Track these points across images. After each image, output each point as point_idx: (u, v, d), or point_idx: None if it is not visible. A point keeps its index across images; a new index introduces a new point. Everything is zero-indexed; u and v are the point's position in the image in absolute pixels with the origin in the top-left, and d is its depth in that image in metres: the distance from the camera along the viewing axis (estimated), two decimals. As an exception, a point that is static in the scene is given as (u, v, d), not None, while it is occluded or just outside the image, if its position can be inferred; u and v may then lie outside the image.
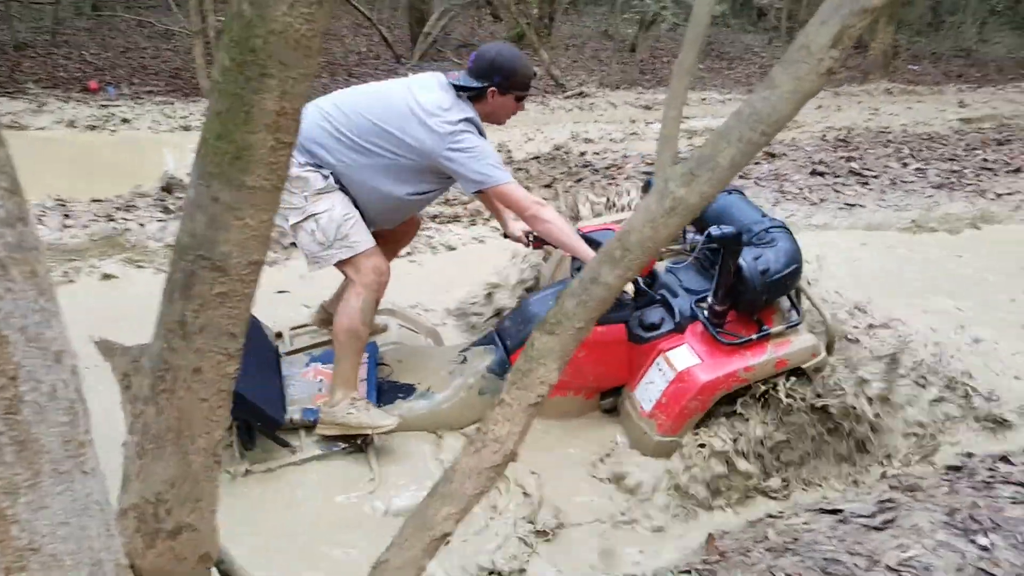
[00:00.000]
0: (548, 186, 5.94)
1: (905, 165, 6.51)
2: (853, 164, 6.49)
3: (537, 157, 6.53)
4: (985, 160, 6.67)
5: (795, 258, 2.97)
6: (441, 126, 2.74)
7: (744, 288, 2.87)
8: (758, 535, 2.40)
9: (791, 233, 3.09)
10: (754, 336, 2.95)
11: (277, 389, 3.15)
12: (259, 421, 2.87)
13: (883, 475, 2.79)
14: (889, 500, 2.41)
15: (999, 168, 6.41)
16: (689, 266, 3.34)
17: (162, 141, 8.34)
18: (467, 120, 2.79)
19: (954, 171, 6.34)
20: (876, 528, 2.20)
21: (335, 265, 2.93)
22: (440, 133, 2.74)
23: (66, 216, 5.09)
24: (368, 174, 2.85)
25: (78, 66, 11.81)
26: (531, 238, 3.29)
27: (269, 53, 1.14)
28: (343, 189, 2.88)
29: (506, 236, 3.49)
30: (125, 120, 8.79)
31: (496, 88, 2.85)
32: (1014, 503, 2.24)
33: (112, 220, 5.11)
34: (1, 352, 0.98)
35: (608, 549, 2.62)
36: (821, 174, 6.24)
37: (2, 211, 0.95)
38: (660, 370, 3.03)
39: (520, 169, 6.11)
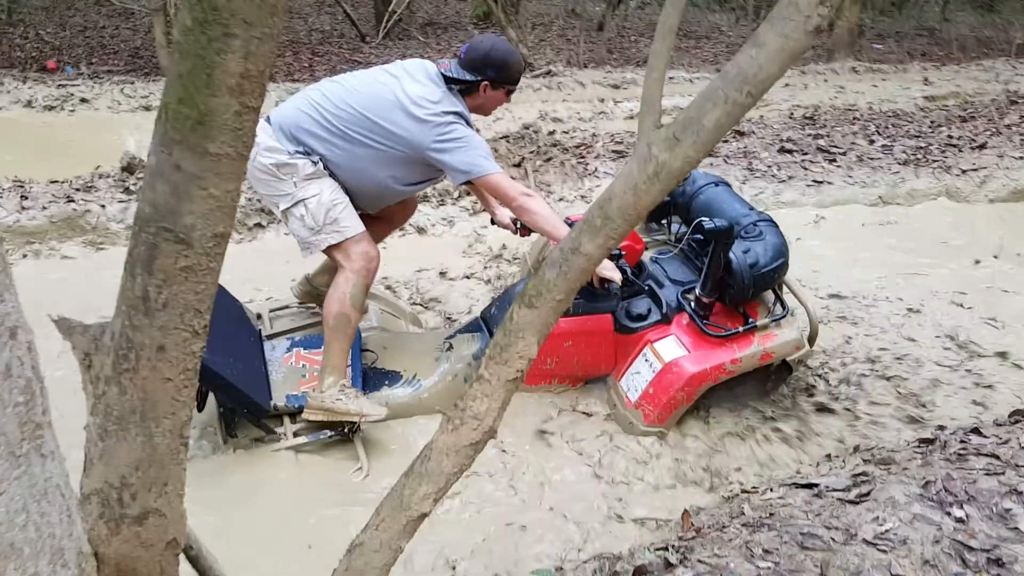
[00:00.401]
0: (517, 165, 5.88)
1: (872, 142, 6.56)
2: (820, 141, 6.52)
3: (506, 136, 6.47)
4: (950, 136, 6.74)
5: (782, 251, 2.98)
6: (429, 118, 2.72)
7: (733, 281, 2.88)
8: (734, 510, 2.39)
9: (777, 226, 3.10)
10: (741, 328, 2.96)
11: (262, 374, 3.09)
12: (244, 407, 2.81)
13: (856, 448, 2.80)
14: (863, 474, 2.42)
15: (964, 144, 6.48)
16: (674, 257, 3.34)
17: (122, 121, 8.14)
18: (456, 113, 2.78)
19: (920, 147, 6.40)
20: (851, 502, 2.20)
21: (324, 251, 2.92)
22: (428, 124, 2.72)
23: (24, 198, 4.93)
24: (357, 163, 2.83)
25: (35, 45, 11.47)
26: (519, 225, 3.28)
27: (232, 11, 1.07)
28: (333, 176, 2.87)
29: (494, 223, 3.47)
30: (84, 100, 8.57)
31: (489, 82, 2.85)
32: (987, 474, 2.26)
33: (72, 201, 4.97)
34: (-52, 328, 0.92)
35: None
36: (789, 151, 6.26)
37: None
38: (647, 360, 3.02)
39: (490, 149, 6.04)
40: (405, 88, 2.77)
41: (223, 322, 3.00)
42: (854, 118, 7.57)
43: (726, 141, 6.70)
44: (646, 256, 3.32)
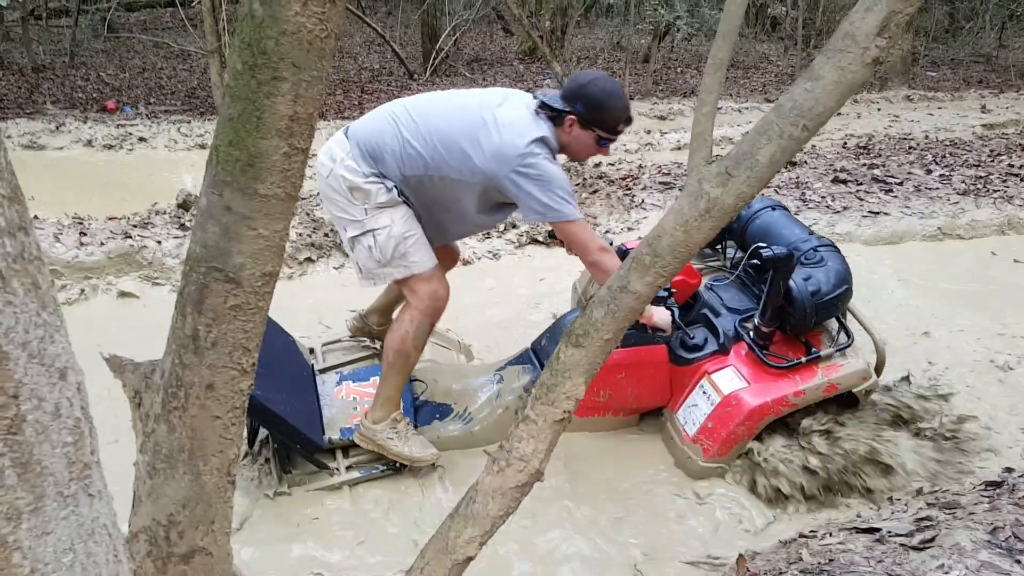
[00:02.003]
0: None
1: (929, 172, 6.40)
2: (876, 171, 6.38)
3: (553, 169, 6.47)
4: (1011, 166, 6.54)
5: (845, 279, 2.87)
6: (511, 145, 2.50)
7: (793, 310, 2.78)
8: (791, 556, 2.30)
9: (840, 252, 2.99)
10: (803, 359, 2.85)
11: (315, 409, 3.06)
12: (297, 443, 2.79)
13: (919, 491, 2.68)
14: (927, 518, 2.31)
15: (1025, 173, 6.29)
16: (731, 284, 3.25)
17: (179, 159, 8.37)
18: (540, 140, 2.54)
19: (979, 177, 6.22)
20: (915, 548, 2.10)
21: (393, 283, 2.84)
22: (509, 153, 2.50)
23: (82, 234, 5.07)
24: (434, 189, 2.67)
25: (96, 87, 11.92)
26: None
27: (281, 55, 1.09)
28: (407, 202, 2.70)
29: (552, 236, 3.40)
30: (142, 139, 8.84)
31: (576, 117, 2.60)
32: (1059, 519, 2.14)
33: (129, 237, 5.09)
34: (1, 369, 0.93)
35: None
36: (844, 182, 6.14)
37: (2, 220, 0.90)
38: (704, 393, 2.92)
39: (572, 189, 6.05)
40: (496, 113, 2.57)
41: (275, 357, 3.01)
42: (910, 147, 7.41)
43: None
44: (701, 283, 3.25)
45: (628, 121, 2.69)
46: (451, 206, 2.73)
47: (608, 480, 2.96)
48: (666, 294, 2.98)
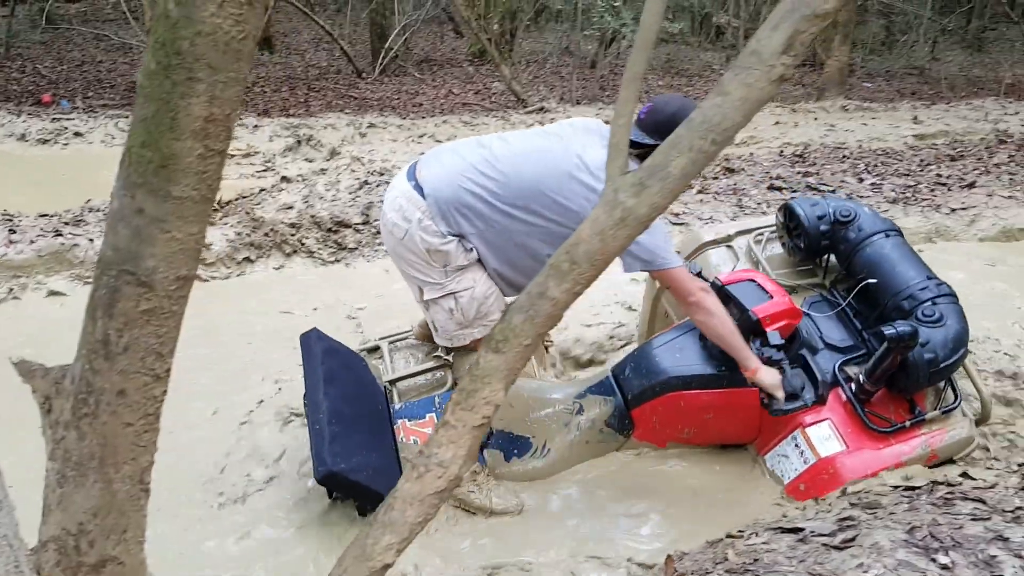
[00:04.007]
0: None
1: (861, 180, 6.59)
2: (810, 179, 6.55)
3: (498, 172, 6.49)
4: (939, 175, 6.78)
5: (964, 340, 2.66)
6: None
7: (905, 376, 2.60)
8: (718, 556, 2.35)
9: (959, 303, 2.75)
10: (907, 423, 2.66)
11: (391, 460, 2.72)
12: (377, 503, 2.58)
13: (843, 491, 2.77)
14: (849, 518, 2.38)
15: (953, 183, 6.51)
16: (830, 315, 2.97)
17: (115, 155, 7.96)
18: None
19: (909, 186, 6.43)
20: (836, 547, 2.16)
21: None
22: None
23: (12, 231, 4.92)
24: (515, 239, 2.51)
25: (31, 79, 11.57)
26: None
27: (196, 56, 1.08)
28: (480, 259, 2.57)
29: None
30: (78, 134, 8.60)
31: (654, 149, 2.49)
32: (974, 519, 2.22)
33: (60, 235, 4.96)
34: None
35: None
36: (779, 189, 6.29)
37: None
38: (797, 446, 2.73)
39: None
40: (583, 156, 2.42)
41: (350, 398, 2.74)
42: (844, 156, 7.62)
43: (715, 177, 6.74)
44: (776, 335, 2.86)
45: None
46: (533, 256, 2.56)
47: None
48: (781, 356, 2.67)
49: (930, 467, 2.68)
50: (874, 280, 2.79)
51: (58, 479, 1.26)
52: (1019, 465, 2.83)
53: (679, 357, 2.82)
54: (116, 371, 1.20)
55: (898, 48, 16.02)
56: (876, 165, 7.17)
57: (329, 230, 5.17)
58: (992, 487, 2.53)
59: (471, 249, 2.52)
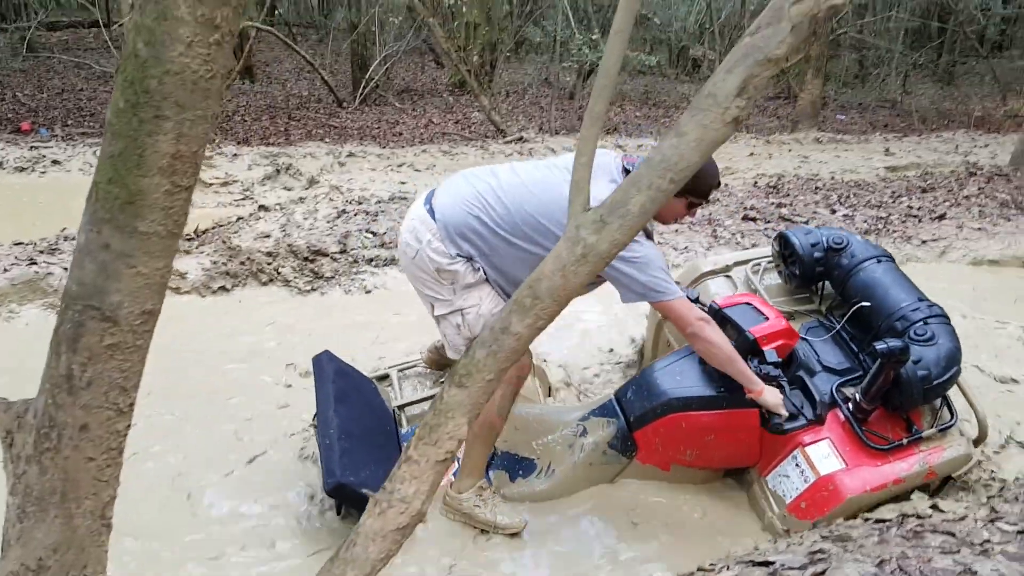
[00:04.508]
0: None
1: (833, 211, 6.70)
2: (783, 210, 6.65)
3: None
4: (910, 207, 6.90)
5: (956, 359, 2.71)
6: None
7: (900, 394, 2.66)
8: (689, 587, 2.35)
9: (950, 323, 2.83)
10: (905, 440, 2.70)
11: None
12: None
13: (813, 525, 2.78)
14: (820, 551, 2.38)
15: (923, 215, 6.63)
16: (826, 339, 3.05)
17: (92, 183, 8.11)
18: None
19: (881, 217, 6.54)
20: (806, 579, 2.17)
21: None
22: None
23: (-16, 260, 4.87)
24: (518, 264, 2.62)
25: (11, 107, 11.52)
26: None
27: (165, 94, 1.09)
28: (488, 279, 2.69)
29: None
30: (56, 162, 8.56)
31: None
32: (943, 553, 2.24)
33: (34, 263, 4.91)
34: None
35: None
36: (753, 219, 6.37)
37: None
38: (797, 465, 2.77)
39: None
40: (590, 193, 2.53)
41: (359, 418, 2.83)
42: (816, 187, 7.74)
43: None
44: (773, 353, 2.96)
45: (719, 185, 2.75)
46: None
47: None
48: (777, 373, 2.78)
49: (929, 484, 2.74)
50: (868, 304, 2.86)
51: (18, 514, 1.25)
52: (988, 497, 2.86)
53: (679, 379, 2.89)
54: (79, 406, 1.20)
55: (871, 81, 16.35)
56: (848, 196, 7.29)
57: (306, 259, 5.17)
58: (962, 519, 2.55)
59: (479, 269, 2.64)
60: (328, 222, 5.74)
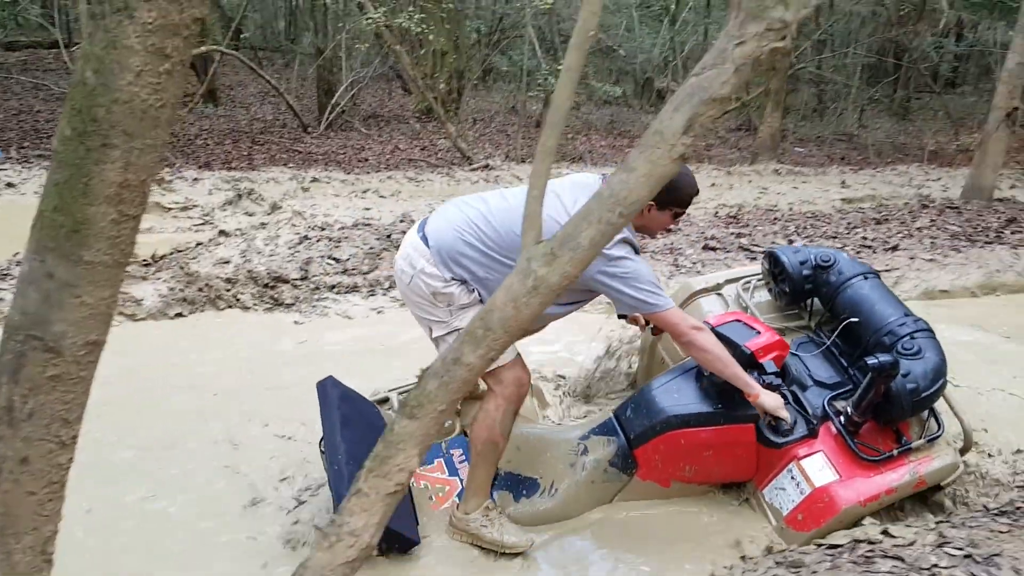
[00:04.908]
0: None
1: (791, 242, 6.82)
2: (743, 240, 6.76)
3: (440, 228, 6.53)
4: (864, 238, 7.05)
5: (942, 371, 2.80)
6: None
7: (890, 407, 2.73)
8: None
9: (935, 337, 2.91)
10: (895, 451, 2.78)
11: (407, 501, 2.81)
12: (394, 543, 2.66)
13: (769, 550, 2.80)
14: (774, 577, 2.41)
15: (877, 246, 6.78)
16: (816, 354, 3.13)
17: (48, 206, 7.96)
18: (623, 242, 2.65)
19: (836, 248, 6.67)
20: (761, 605, 2.19)
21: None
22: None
23: (-68, 284, 4.75)
24: None
25: (-33, 130, 11.32)
26: (651, 323, 3.07)
27: (112, 123, 1.09)
28: (482, 300, 2.74)
29: (621, 316, 3.23)
30: (10, 184, 8.41)
31: (654, 203, 2.72)
32: (891, 577, 2.28)
33: (-17, 289, 4.81)
34: None
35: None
36: (713, 248, 6.47)
37: None
38: (793, 479, 2.84)
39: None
40: (570, 210, 2.56)
41: (367, 442, 2.72)
42: (775, 218, 7.89)
43: (654, 237, 6.89)
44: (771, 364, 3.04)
45: (697, 193, 2.88)
46: None
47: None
48: (779, 382, 2.88)
49: (919, 493, 2.83)
50: (856, 319, 2.94)
51: (-47, 550, 1.21)
52: (937, 523, 2.92)
53: (677, 397, 2.95)
54: (19, 438, 1.17)
55: (828, 115, 16.75)
56: (805, 227, 7.43)
57: (266, 285, 5.12)
58: (911, 544, 2.59)
59: (473, 291, 2.73)
60: (289, 248, 5.70)
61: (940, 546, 2.50)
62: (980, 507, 2.96)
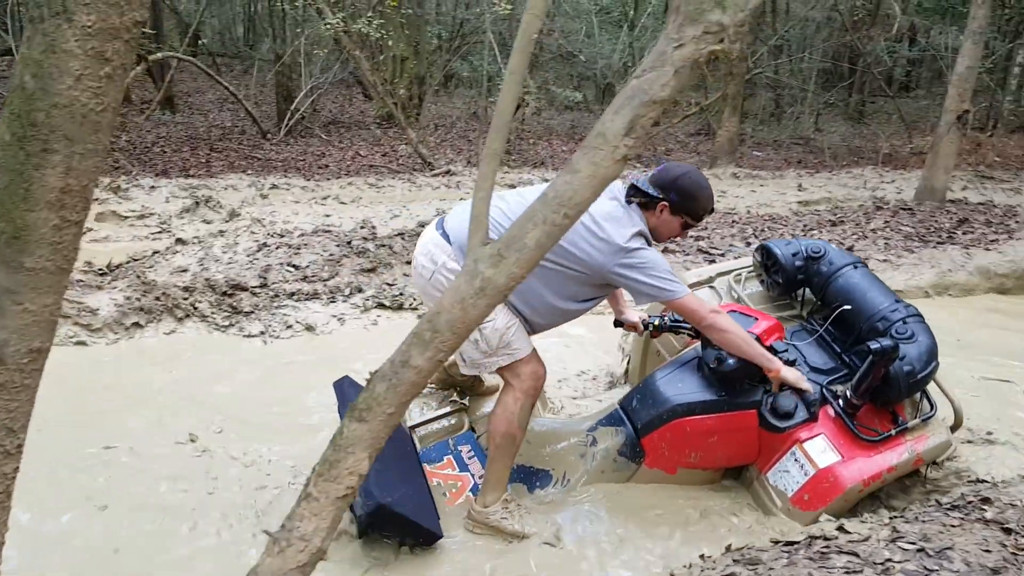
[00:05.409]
0: (410, 262, 5.90)
1: (748, 244, 6.91)
2: (701, 243, 6.84)
3: (402, 233, 6.52)
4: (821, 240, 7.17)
5: (935, 353, 2.94)
6: (613, 240, 2.69)
7: (888, 389, 2.84)
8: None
9: (925, 321, 3.05)
10: (893, 432, 2.89)
11: (427, 496, 2.90)
12: (418, 537, 2.73)
13: (728, 548, 2.84)
14: (732, 575, 2.45)
15: (833, 247, 6.90)
16: (810, 342, 3.25)
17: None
18: (638, 234, 2.74)
19: (794, 249, 6.78)
20: (718, 602, 2.22)
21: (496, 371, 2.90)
22: (612, 248, 2.69)
23: None
24: (532, 284, 2.79)
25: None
26: (650, 327, 3.22)
27: (52, 127, 1.08)
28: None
29: (618, 324, 3.38)
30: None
31: (668, 205, 2.81)
32: (848, 573, 2.32)
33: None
34: None
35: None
36: (672, 252, 6.54)
37: None
38: (796, 461, 2.94)
39: (383, 245, 6.09)
40: (590, 209, 2.69)
41: (389, 441, 2.82)
42: (733, 221, 7.99)
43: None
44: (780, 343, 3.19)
45: (712, 211, 2.95)
46: (547, 298, 2.86)
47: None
48: (794, 356, 3.03)
49: (916, 470, 2.95)
50: (848, 307, 3.07)
51: None
52: (891, 518, 2.98)
53: (681, 387, 3.07)
54: (-40, 448, 1.15)
55: (785, 120, 17.02)
56: (763, 230, 7.54)
57: (224, 293, 5.06)
58: (865, 540, 2.65)
59: None
60: (248, 256, 5.65)
61: (894, 541, 2.56)
62: (933, 502, 3.05)
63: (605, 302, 3.34)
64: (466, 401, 3.35)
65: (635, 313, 3.33)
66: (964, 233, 7.36)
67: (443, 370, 3.41)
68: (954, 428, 3.05)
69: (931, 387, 3.05)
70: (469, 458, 3.17)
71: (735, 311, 3.14)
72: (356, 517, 2.76)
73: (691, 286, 3.62)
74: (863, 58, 16.18)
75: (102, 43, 1.06)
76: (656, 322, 3.21)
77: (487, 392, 3.44)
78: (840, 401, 2.96)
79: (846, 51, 16.33)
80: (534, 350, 2.91)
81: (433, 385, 3.48)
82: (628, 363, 4.02)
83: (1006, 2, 15.32)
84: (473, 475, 3.11)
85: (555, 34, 14.54)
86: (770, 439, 3.01)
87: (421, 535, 2.72)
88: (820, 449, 2.90)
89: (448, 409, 3.34)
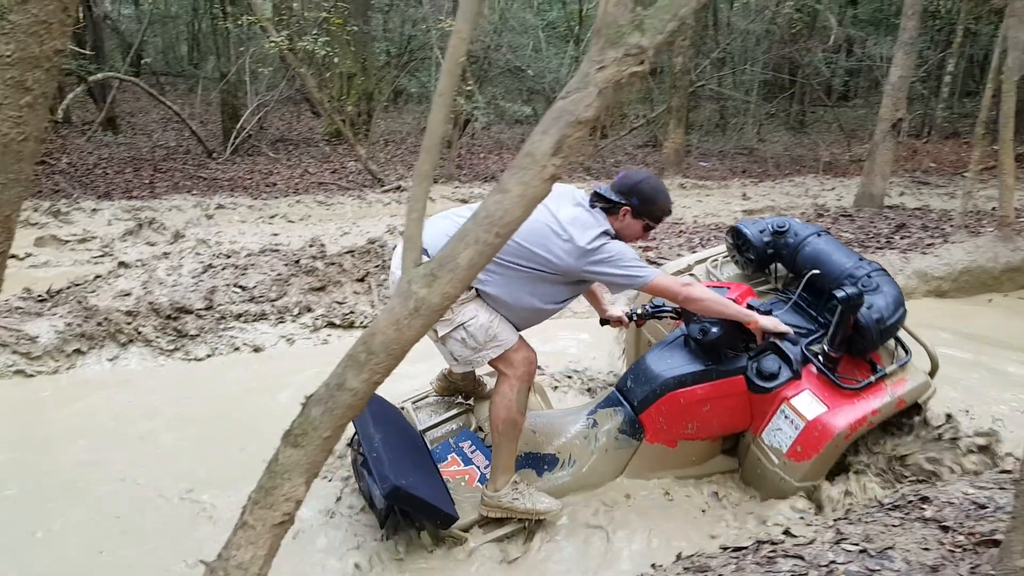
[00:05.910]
0: (361, 280, 5.88)
1: (694, 253, 7.02)
2: (649, 254, 6.92)
3: (351, 251, 6.47)
4: (764, 247, 7.31)
5: (900, 301, 3.13)
6: (580, 242, 2.82)
7: (861, 337, 3.01)
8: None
9: (888, 274, 3.25)
10: (873, 379, 3.06)
11: (440, 481, 3.09)
12: (438, 520, 2.86)
13: (678, 557, 2.87)
14: (681, 582, 2.48)
15: (776, 254, 7.04)
16: (787, 309, 3.41)
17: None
18: (603, 233, 2.88)
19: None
20: (667, 609, 2.24)
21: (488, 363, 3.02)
22: (580, 251, 2.82)
23: None
24: (508, 288, 2.94)
25: None
26: (634, 317, 3.38)
27: (-28, 158, 1.06)
28: (479, 294, 2.97)
29: (604, 323, 3.50)
30: None
31: (630, 209, 2.97)
32: (793, 576, 2.36)
33: None
34: None
35: None
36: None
37: None
38: (787, 417, 3.10)
39: (333, 263, 6.03)
40: (556, 214, 2.88)
41: (397, 435, 3.09)
42: (680, 231, 8.11)
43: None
44: (755, 301, 3.42)
45: (670, 212, 3.11)
46: (524, 300, 2.98)
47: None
48: (767, 307, 3.30)
49: (899, 412, 3.10)
50: (817, 271, 3.24)
51: None
52: (835, 520, 3.05)
53: (670, 362, 3.28)
54: None
55: (730, 130, 17.35)
56: (710, 239, 7.66)
57: (169, 317, 4.96)
58: (810, 543, 2.70)
59: (470, 287, 2.89)
60: (193, 277, 5.55)
61: (838, 543, 2.62)
62: (876, 502, 3.13)
63: (589, 305, 3.57)
64: (471, 402, 3.56)
65: (617, 309, 3.50)
66: (902, 238, 7.57)
67: (443, 377, 3.58)
68: (931, 373, 3.23)
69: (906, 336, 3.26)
70: (471, 452, 3.35)
71: (709, 286, 3.32)
72: (375, 510, 2.99)
73: (672, 275, 3.89)
74: (802, 69, 16.61)
75: (22, 72, 1.05)
76: (639, 311, 3.38)
77: (490, 395, 3.54)
78: (820, 357, 3.13)
79: (786, 63, 16.71)
80: (521, 337, 3.03)
81: (436, 394, 3.65)
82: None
83: (936, 13, 15.87)
84: (478, 467, 3.30)
85: (503, 49, 14.62)
86: (760, 401, 3.19)
87: (438, 517, 2.86)
88: (807, 403, 3.07)
89: (455, 412, 3.53)
